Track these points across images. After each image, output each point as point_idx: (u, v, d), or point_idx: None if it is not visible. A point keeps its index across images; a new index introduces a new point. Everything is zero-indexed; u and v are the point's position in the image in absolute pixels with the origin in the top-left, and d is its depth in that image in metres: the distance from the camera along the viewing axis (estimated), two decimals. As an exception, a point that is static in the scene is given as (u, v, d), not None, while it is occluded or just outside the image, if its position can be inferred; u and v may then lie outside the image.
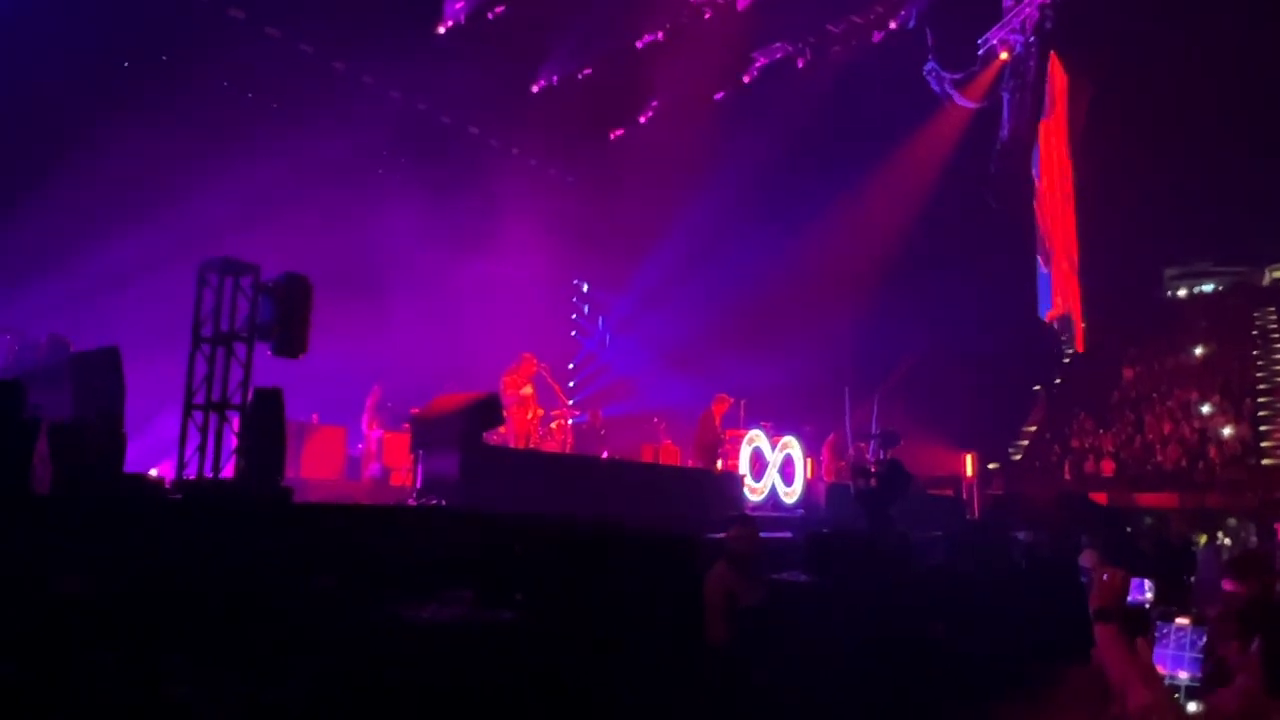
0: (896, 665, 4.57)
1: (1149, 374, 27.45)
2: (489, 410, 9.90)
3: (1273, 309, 29.08)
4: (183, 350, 8.07)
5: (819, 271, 22.13)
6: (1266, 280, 34.06)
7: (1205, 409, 24.07)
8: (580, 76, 19.10)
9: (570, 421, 15.38)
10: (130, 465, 7.50)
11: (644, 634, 4.64)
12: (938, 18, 21.53)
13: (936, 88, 22.65)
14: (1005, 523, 12.48)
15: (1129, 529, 13.08)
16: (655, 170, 19.23)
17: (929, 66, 22.36)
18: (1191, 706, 3.20)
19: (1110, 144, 27.40)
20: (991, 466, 23.70)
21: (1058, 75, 27.14)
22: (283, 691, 3.66)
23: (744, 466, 13.74)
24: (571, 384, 21.15)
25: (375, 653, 4.07)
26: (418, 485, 9.25)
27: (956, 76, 22.83)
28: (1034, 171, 27.03)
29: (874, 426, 17.15)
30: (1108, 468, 23.07)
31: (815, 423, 17.11)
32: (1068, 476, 23.24)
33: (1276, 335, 27.94)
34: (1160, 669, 3.08)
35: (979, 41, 23.37)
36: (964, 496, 18.68)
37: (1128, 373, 27.73)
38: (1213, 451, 22.20)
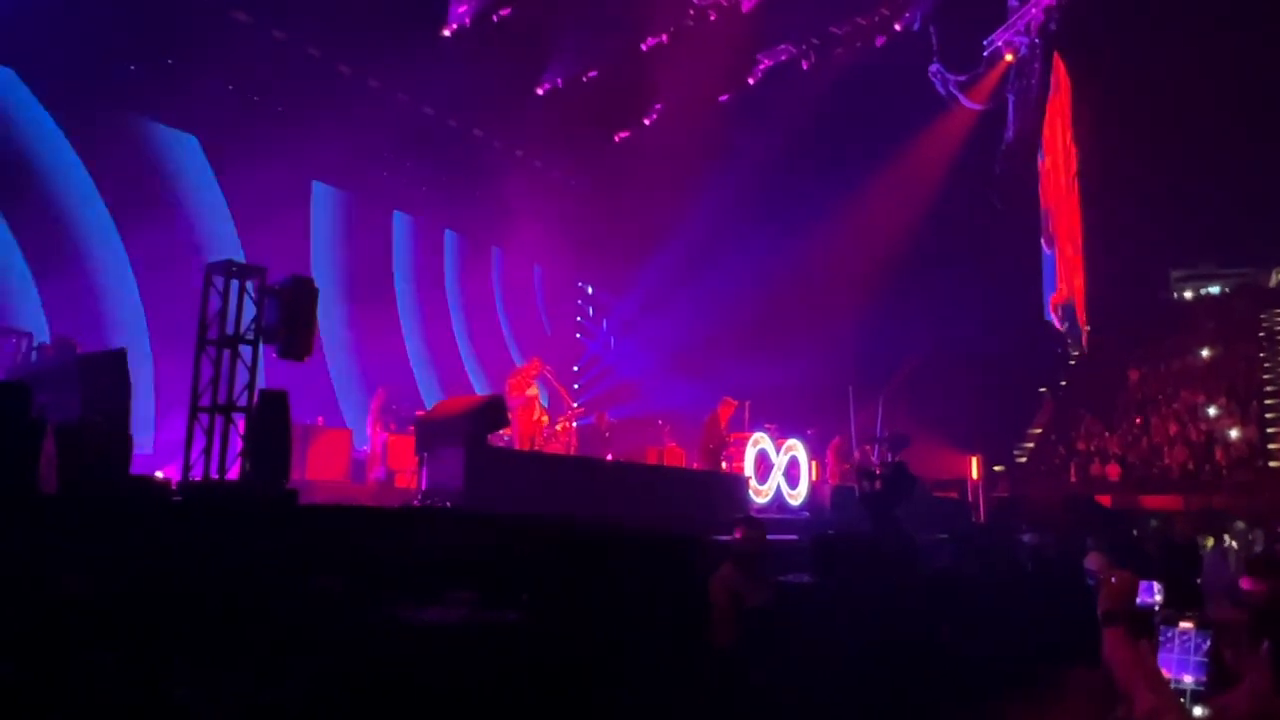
0: (901, 667, 4.56)
1: (1155, 376, 27.36)
2: (494, 412, 9.91)
3: (1279, 311, 29.00)
4: (188, 352, 8.09)
5: (823, 274, 22.12)
6: (1273, 282, 33.97)
7: (1212, 411, 23.98)
8: (585, 79, 19.10)
9: (575, 424, 15.38)
10: (138, 467, 7.54)
11: (647, 635, 4.64)
12: (942, 19, 21.51)
13: (941, 89, 22.62)
14: (1010, 525, 12.44)
15: (1135, 532, 13.03)
16: (660, 172, 19.22)
17: (934, 68, 22.33)
18: (1197, 711, 3.18)
19: (1115, 146, 27.33)
20: (997, 469, 23.64)
21: (1062, 77, 27.09)
22: (284, 693, 3.66)
23: (749, 469, 13.74)
24: (576, 386, 21.16)
25: (378, 654, 4.07)
26: (423, 487, 9.25)
27: (961, 78, 22.79)
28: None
29: (879, 429, 17.11)
30: (1113, 470, 23.00)
31: (819, 425, 17.10)
32: (1073, 479, 23.17)
33: (1283, 337, 27.86)
34: (1165, 673, 3.06)
35: (984, 43, 23.34)
36: (969, 499, 18.63)
37: (1133, 375, 27.65)
38: (1219, 454, 22.12)
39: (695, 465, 14.43)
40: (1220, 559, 10.51)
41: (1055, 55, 25.23)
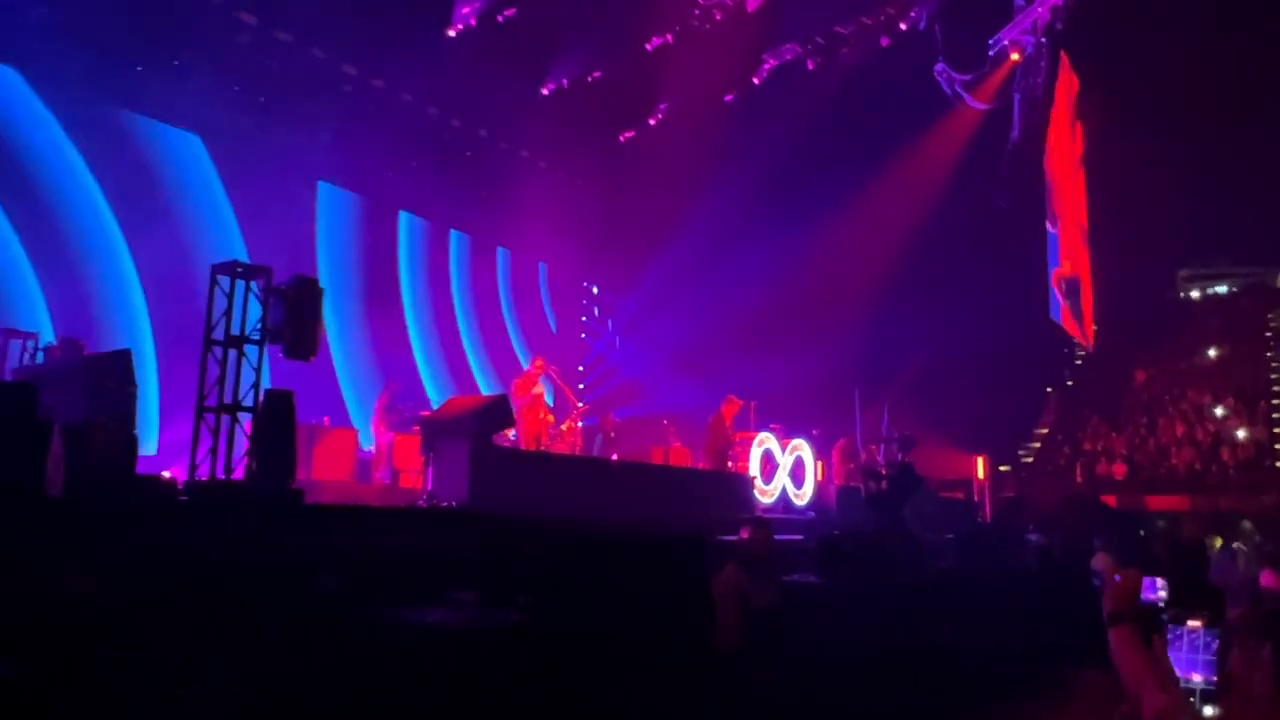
0: (907, 667, 4.55)
1: (1162, 376, 27.26)
2: (499, 412, 9.92)
3: (1287, 310, 28.89)
4: (193, 353, 8.11)
5: (829, 273, 22.06)
6: (1280, 281, 33.81)
7: (1219, 411, 23.89)
8: (590, 79, 19.09)
9: (581, 424, 15.38)
10: (142, 468, 7.55)
11: (650, 636, 4.63)
12: (948, 19, 21.45)
13: (947, 89, 22.54)
14: (1017, 525, 12.44)
15: (1141, 532, 12.99)
16: (665, 172, 19.21)
17: (939, 67, 22.26)
18: (1207, 711, 3.16)
19: (1122, 145, 27.23)
20: (1003, 469, 23.58)
21: (1069, 76, 26.98)
22: (289, 692, 3.66)
23: (754, 469, 13.73)
24: (581, 386, 21.17)
25: (380, 655, 4.07)
26: (428, 488, 9.25)
27: (967, 78, 22.71)
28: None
29: (885, 429, 17.09)
30: (1120, 470, 22.92)
31: (825, 425, 17.08)
32: (1080, 479, 23.10)
33: (1291, 337, 27.74)
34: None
35: (990, 42, 23.27)
36: (975, 499, 18.61)
37: (1140, 375, 27.54)
38: (1226, 454, 22.03)
39: (701, 465, 14.42)
40: (1229, 560, 10.47)
41: (1062, 54, 25.15)
